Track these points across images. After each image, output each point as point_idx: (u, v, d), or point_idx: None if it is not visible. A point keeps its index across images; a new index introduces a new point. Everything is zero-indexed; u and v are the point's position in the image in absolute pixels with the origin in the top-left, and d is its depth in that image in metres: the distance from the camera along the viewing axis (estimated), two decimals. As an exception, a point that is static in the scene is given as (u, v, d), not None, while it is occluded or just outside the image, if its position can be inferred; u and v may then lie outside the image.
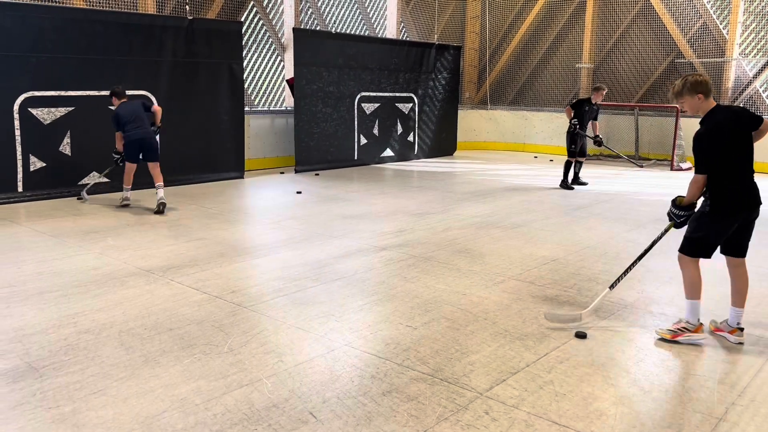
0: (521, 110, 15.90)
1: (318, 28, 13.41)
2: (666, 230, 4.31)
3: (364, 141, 12.68)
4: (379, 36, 14.67)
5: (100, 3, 9.82)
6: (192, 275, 5.19)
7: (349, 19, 14.49)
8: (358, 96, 12.37)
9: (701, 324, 4.03)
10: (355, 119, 12.41)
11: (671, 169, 12.81)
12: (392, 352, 3.77)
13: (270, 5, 12.84)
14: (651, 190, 10.23)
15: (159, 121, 7.98)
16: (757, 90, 13.28)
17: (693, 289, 4.05)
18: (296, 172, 11.35)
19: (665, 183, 11.17)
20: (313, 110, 11.51)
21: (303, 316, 4.34)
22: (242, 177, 10.61)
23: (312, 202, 8.70)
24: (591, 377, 3.49)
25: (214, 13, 11.46)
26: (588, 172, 11.65)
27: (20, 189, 8.23)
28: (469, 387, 3.35)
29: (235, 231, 6.95)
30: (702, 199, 4.02)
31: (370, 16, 14.87)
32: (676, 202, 4.12)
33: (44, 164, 8.40)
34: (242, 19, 12.04)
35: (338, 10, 14.25)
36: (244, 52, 11.14)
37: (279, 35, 12.92)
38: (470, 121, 15.97)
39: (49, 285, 4.88)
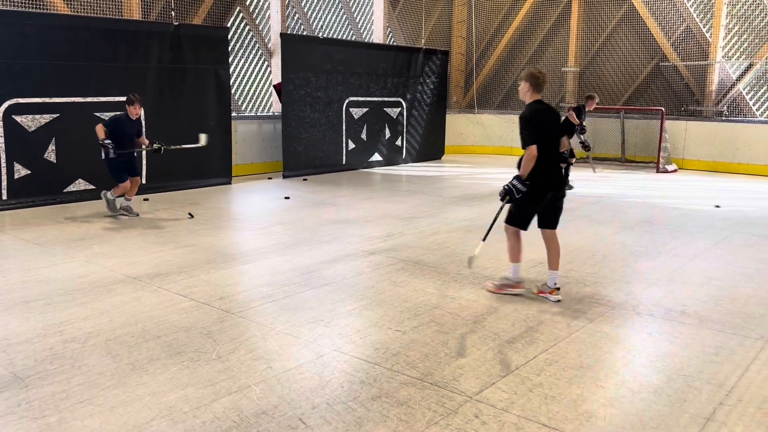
0: (508, 114, 15.95)
1: (305, 34, 13.40)
2: (502, 207, 4.96)
3: (352, 146, 12.68)
4: (366, 41, 14.69)
5: (84, 9, 9.76)
6: (179, 282, 5.16)
7: (335, 24, 14.50)
8: (346, 101, 12.37)
9: (521, 282, 4.94)
10: (343, 124, 12.40)
11: (657, 171, 12.91)
12: (381, 356, 3.76)
13: (256, 11, 12.82)
14: (637, 192, 10.30)
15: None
16: (741, 92, 13.43)
17: (513, 254, 4.93)
18: (284, 177, 11.33)
19: (651, 185, 11.25)
20: (301, 115, 11.49)
21: (292, 321, 4.32)
22: (230, 183, 10.57)
23: (300, 208, 8.68)
24: (580, 379, 3.50)
25: (200, 19, 11.43)
26: (574, 174, 11.70)
27: (4, 197, 8.14)
28: (458, 391, 3.35)
29: (222, 237, 6.92)
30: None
31: (357, 21, 14.89)
32: (521, 179, 4.70)
33: (29, 172, 8.32)
34: (229, 25, 12.01)
35: (325, 15, 14.26)
36: (231, 58, 11.11)
37: (266, 40, 12.90)
38: (458, 125, 16.02)
39: (34, 293, 4.83)
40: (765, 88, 13.37)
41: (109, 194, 7.71)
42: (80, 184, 8.76)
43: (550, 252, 4.91)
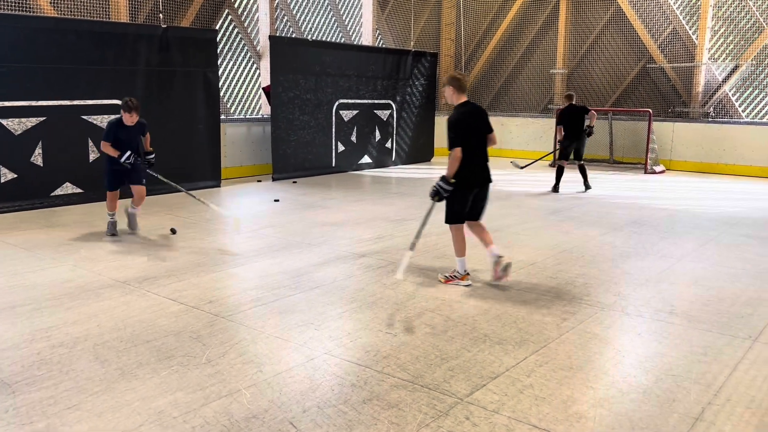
0: (497, 116, 15.97)
1: (294, 36, 13.39)
2: (432, 206, 5.17)
3: (341, 148, 12.67)
4: (355, 43, 14.69)
5: (71, 12, 9.69)
6: (168, 286, 5.13)
7: (324, 27, 14.49)
8: (336, 103, 12.36)
9: (467, 274, 5.24)
10: (333, 126, 12.39)
11: (645, 172, 13.00)
12: (372, 359, 3.76)
13: (245, 13, 12.79)
14: (625, 193, 10.36)
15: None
16: (727, 94, 13.56)
17: (459, 248, 5.23)
18: (273, 180, 11.30)
19: (639, 186, 11.33)
20: (290, 118, 11.47)
21: (282, 325, 4.30)
22: (219, 185, 10.53)
23: (290, 210, 8.66)
24: (570, 380, 3.51)
25: (188, 22, 11.38)
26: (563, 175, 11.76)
27: (-9, 201, 8.07)
28: (449, 393, 3.35)
29: (212, 240, 6.89)
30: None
31: (346, 23, 14.89)
32: (447, 180, 5.00)
33: (15, 175, 8.24)
34: (217, 27, 11.98)
35: (314, 17, 14.25)
36: (220, 60, 11.08)
37: (254, 43, 12.87)
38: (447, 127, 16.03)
39: (22, 298, 4.78)
40: (751, 89, 13.50)
41: (129, 209, 7.03)
42: (68, 188, 8.69)
43: (481, 235, 5.35)
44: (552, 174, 10.77)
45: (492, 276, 5.26)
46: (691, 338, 4.14)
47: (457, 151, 4.99)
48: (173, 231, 7.10)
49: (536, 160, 11.57)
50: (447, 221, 5.27)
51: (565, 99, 10.46)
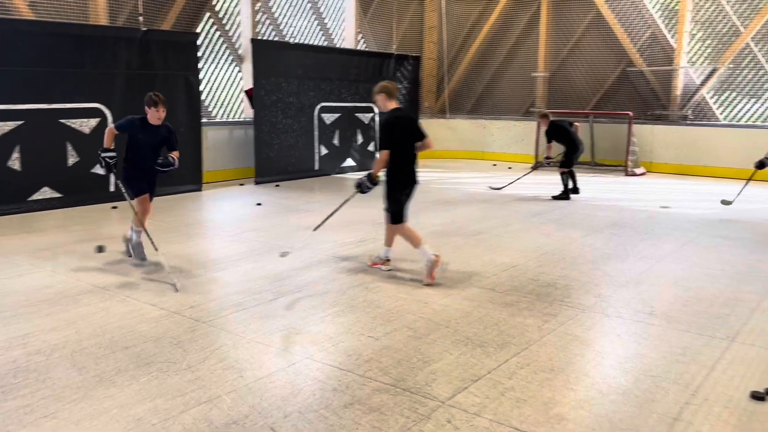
0: (480, 119, 16.09)
1: (276, 39, 13.35)
2: (353, 195, 5.65)
3: (324, 151, 12.65)
4: (337, 46, 14.68)
5: (50, 14, 9.58)
6: (148, 291, 5.08)
7: (306, 30, 14.47)
8: (318, 106, 12.34)
9: (437, 255, 5.42)
10: (316, 130, 12.37)
11: (625, 174, 13.12)
12: (354, 363, 3.75)
13: (226, 16, 12.73)
14: (606, 196, 10.45)
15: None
16: (704, 96, 13.74)
17: (414, 241, 5.48)
18: (256, 183, 11.25)
19: (620, 188, 11.44)
20: (272, 121, 11.43)
21: (263, 330, 4.28)
22: (200, 189, 10.46)
23: (272, 214, 8.62)
24: (551, 382, 3.53)
25: (168, 24, 11.30)
26: (544, 178, 11.86)
27: (-33, 206, 7.95)
28: (431, 396, 3.35)
29: (193, 245, 6.83)
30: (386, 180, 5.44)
31: (328, 26, 14.88)
32: (371, 177, 5.39)
33: (-8, 180, 8.13)
34: (198, 30, 11.90)
35: (296, 20, 14.22)
36: (201, 63, 11.01)
37: (236, 46, 12.81)
38: (430, 130, 15.88)
39: (-2, 305, 4.71)
40: (728, 92, 13.70)
41: (129, 232, 5.94)
42: (46, 193, 8.58)
43: (389, 231, 5.75)
44: (530, 176, 10.81)
45: (369, 262, 5.87)
46: (670, 339, 4.18)
47: (385, 153, 5.35)
48: (101, 249, 6.10)
49: (512, 182, 11.28)
50: (393, 222, 5.59)
51: (543, 118, 10.19)
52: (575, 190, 10.19)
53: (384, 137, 5.46)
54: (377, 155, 5.44)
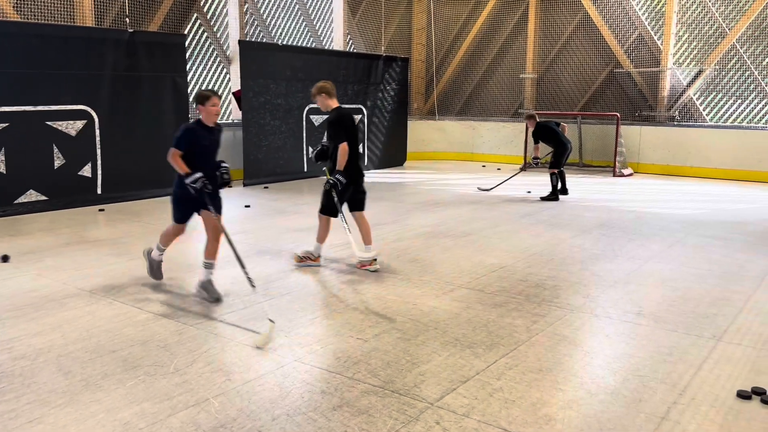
0: (468, 120, 16.12)
1: (264, 41, 13.31)
2: (327, 191, 5.67)
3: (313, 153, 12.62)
4: (326, 48, 14.67)
5: (35, 16, 9.50)
6: (136, 294, 5.04)
7: (295, 31, 14.44)
8: (307, 108, 12.31)
9: (319, 257, 5.89)
10: (304, 131, 12.35)
11: (613, 175, 13.20)
12: (343, 365, 3.73)
13: (214, 17, 12.68)
14: (595, 196, 10.51)
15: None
16: (691, 98, 13.85)
17: (322, 236, 5.83)
18: (245, 185, 11.20)
19: (608, 189, 11.50)
20: (261, 123, 11.40)
21: (251, 332, 4.26)
22: (189, 192, 10.39)
23: (261, 216, 8.59)
24: (539, 382, 3.54)
25: (155, 26, 11.24)
26: (533, 179, 11.90)
27: (-49, 209, 7.86)
28: (419, 398, 3.34)
29: (180, 247, 6.78)
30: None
31: (317, 28, 14.86)
32: (341, 172, 5.56)
33: (-23, 183, 8.04)
34: (186, 32, 11.85)
35: (284, 22, 14.19)
36: (188, 65, 10.96)
37: (224, 48, 12.76)
38: (419, 132, 16.11)
39: (-17, 309, 4.65)
40: (714, 93, 13.81)
41: (154, 251, 5.23)
42: (32, 195, 8.50)
43: (362, 229, 5.89)
44: (519, 177, 10.86)
45: (358, 264, 5.84)
46: (657, 339, 4.20)
47: (344, 146, 5.56)
48: (5, 259, 5.90)
49: (501, 183, 11.27)
50: (321, 212, 5.82)
51: (530, 119, 10.23)
52: (564, 191, 10.24)
53: (338, 132, 5.64)
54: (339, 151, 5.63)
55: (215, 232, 4.95)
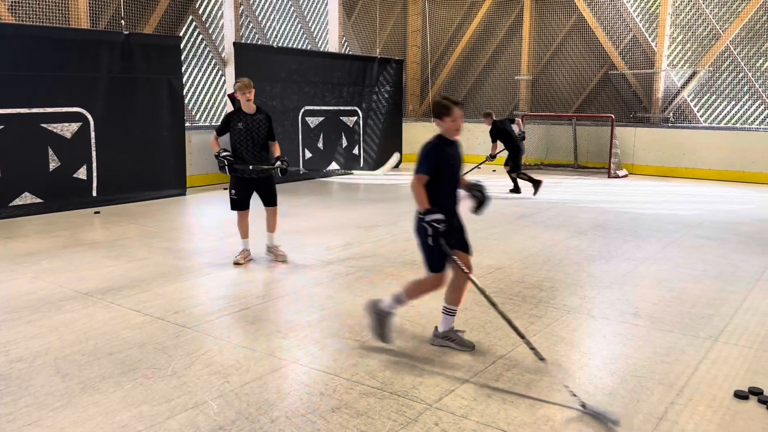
0: (464, 122, 16.12)
1: (259, 43, 13.31)
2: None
3: (309, 155, 12.63)
4: (321, 50, 14.68)
5: (30, 18, 9.47)
6: (133, 297, 5.03)
7: (290, 33, 14.44)
8: (302, 110, 12.32)
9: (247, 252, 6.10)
10: (299, 133, 12.35)
11: (608, 177, 13.24)
12: (341, 367, 3.74)
13: (209, 20, 12.67)
14: (590, 198, 10.54)
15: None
16: (685, 99, 13.91)
17: (241, 231, 6.13)
18: (240, 187, 11.18)
19: (603, 190, 11.53)
20: (256, 125, 11.38)
21: (249, 334, 4.26)
22: (184, 194, 10.38)
23: (257, 218, 8.57)
24: (537, 383, 3.55)
25: (151, 28, 11.23)
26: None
27: (-54, 212, 7.83)
28: (418, 399, 3.35)
29: (177, 250, 6.78)
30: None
31: (312, 29, 14.86)
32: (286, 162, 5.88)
33: (-28, 185, 8.01)
34: (181, 34, 11.84)
35: (279, 24, 14.19)
36: (184, 67, 10.95)
37: (219, 50, 12.75)
38: (415, 134, 16.09)
39: (-22, 312, 4.63)
40: (708, 95, 13.88)
41: (383, 303, 4.01)
42: (27, 198, 8.47)
43: (270, 220, 6.17)
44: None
45: (280, 259, 6.08)
46: (654, 339, 4.22)
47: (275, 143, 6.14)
48: None
49: (469, 171, 11.53)
50: (233, 208, 6.06)
51: (486, 117, 10.73)
52: (516, 190, 10.67)
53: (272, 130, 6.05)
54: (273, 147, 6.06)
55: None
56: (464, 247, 3.95)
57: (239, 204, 6.02)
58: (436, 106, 3.87)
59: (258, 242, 6.38)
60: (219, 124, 6.01)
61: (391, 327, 3.99)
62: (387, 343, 3.96)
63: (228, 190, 6.10)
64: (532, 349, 3.55)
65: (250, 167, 5.82)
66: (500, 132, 10.57)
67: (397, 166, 6.01)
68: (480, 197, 4.02)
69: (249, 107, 5.82)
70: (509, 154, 10.60)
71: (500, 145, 10.69)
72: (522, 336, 3.59)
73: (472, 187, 4.04)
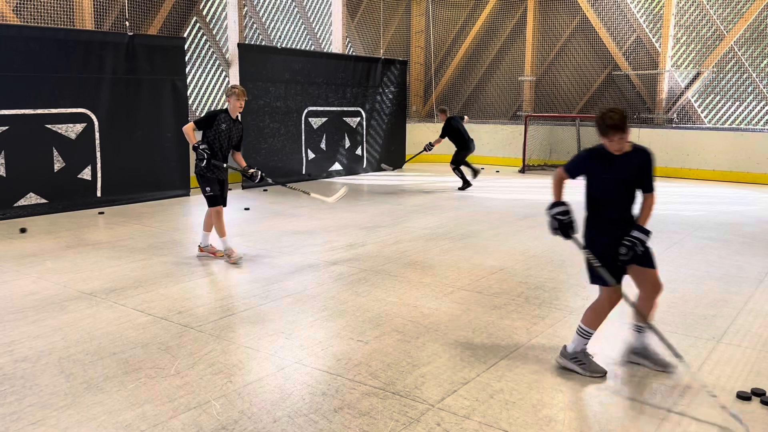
0: (467, 123, 16.11)
1: (263, 44, 13.34)
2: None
3: (312, 155, 12.65)
4: (325, 51, 14.70)
5: (35, 19, 9.52)
6: (136, 297, 5.05)
7: (294, 34, 14.47)
8: (306, 111, 12.34)
9: (208, 246, 6.33)
10: (303, 134, 12.37)
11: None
12: (343, 367, 3.75)
13: (213, 21, 12.71)
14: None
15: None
16: (689, 100, 13.88)
17: (207, 224, 6.27)
18: (243, 188, 11.22)
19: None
20: (260, 125, 11.42)
21: (252, 334, 4.27)
22: (188, 194, 10.41)
23: (260, 219, 8.60)
24: (539, 384, 3.55)
25: (155, 29, 11.26)
26: (532, 182, 11.92)
27: (-49, 212, 7.86)
28: (420, 399, 3.36)
29: (180, 250, 6.80)
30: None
31: (316, 30, 14.89)
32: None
33: (-23, 186, 8.04)
34: (185, 35, 11.87)
35: (283, 25, 14.22)
36: (188, 68, 10.97)
37: (223, 51, 12.78)
38: (418, 134, 16.11)
39: (-17, 312, 4.66)
40: (712, 96, 13.85)
41: (570, 347, 3.78)
42: (32, 198, 8.50)
43: (219, 224, 6.22)
44: (517, 180, 10.91)
45: (231, 259, 6.14)
46: (657, 340, 4.21)
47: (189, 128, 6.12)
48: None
49: (411, 158, 12.80)
50: (212, 204, 6.15)
51: (441, 113, 11.22)
52: (465, 184, 11.16)
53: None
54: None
55: (656, 287, 3.76)
56: (639, 261, 3.66)
57: (218, 199, 6.21)
58: (604, 119, 3.63)
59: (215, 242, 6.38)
60: (202, 117, 6.09)
61: (591, 358, 3.72)
62: (603, 374, 3.66)
63: (201, 189, 6.22)
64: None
65: (225, 165, 6.12)
66: (452, 130, 11.05)
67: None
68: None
69: (235, 113, 6.10)
70: (456, 151, 11.13)
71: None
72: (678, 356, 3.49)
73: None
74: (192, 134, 6.04)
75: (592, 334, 3.71)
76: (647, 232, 3.62)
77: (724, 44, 13.26)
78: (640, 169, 3.74)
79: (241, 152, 6.41)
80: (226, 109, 6.10)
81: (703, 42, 13.66)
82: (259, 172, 6.32)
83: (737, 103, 13.56)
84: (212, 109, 12.71)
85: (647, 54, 14.18)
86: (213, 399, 3.33)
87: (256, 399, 3.34)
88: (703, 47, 13.67)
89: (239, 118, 6.22)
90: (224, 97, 6.39)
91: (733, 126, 13.58)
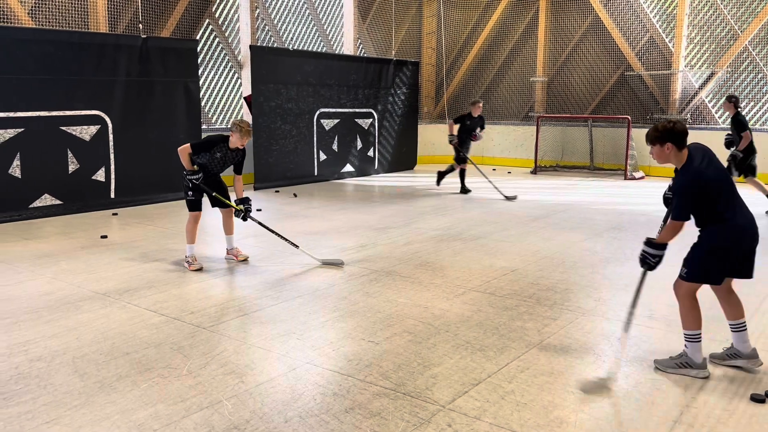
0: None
1: (275, 46, 13.40)
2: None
3: (323, 157, 12.68)
4: (336, 53, 14.74)
5: (50, 22, 9.62)
6: (149, 297, 5.09)
7: (306, 36, 14.52)
8: (317, 112, 12.38)
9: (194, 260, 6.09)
10: (315, 135, 12.41)
11: (624, 178, 13.15)
12: (354, 368, 3.75)
13: (226, 23, 12.78)
14: (606, 200, 10.47)
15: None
16: (703, 100, 13.77)
17: (194, 235, 6.11)
18: (255, 189, 11.27)
19: (619, 192, 11.45)
20: (272, 127, 11.47)
21: (264, 335, 4.29)
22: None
23: (272, 219, 8.63)
24: (551, 385, 3.54)
25: (168, 32, 11.35)
26: (544, 182, 11.88)
27: (-32, 213, 7.97)
28: (431, 400, 3.36)
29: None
30: None
31: (327, 32, 14.93)
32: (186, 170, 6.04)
33: (-7, 187, 8.15)
34: (198, 37, 11.95)
35: (295, 27, 14.27)
36: (201, 70, 11.05)
37: (236, 53, 12.85)
38: (429, 136, 16.12)
39: (-1, 312, 4.72)
40: (726, 96, 13.72)
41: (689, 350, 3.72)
42: (46, 200, 8.60)
43: (192, 230, 6.15)
44: (529, 181, 10.87)
45: (241, 259, 6.24)
46: (669, 342, 4.19)
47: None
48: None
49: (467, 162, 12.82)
50: (193, 209, 6.10)
51: (474, 104, 10.92)
52: (439, 181, 11.30)
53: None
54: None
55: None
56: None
57: (198, 204, 6.17)
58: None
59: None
60: (201, 142, 6.10)
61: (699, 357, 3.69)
62: (706, 372, 3.67)
63: (184, 192, 6.19)
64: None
65: (213, 194, 6.18)
66: (467, 128, 10.80)
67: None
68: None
69: (234, 146, 6.03)
70: (456, 151, 10.95)
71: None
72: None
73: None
74: (187, 159, 5.99)
75: (737, 325, 3.84)
76: (653, 245, 4.25)
77: (739, 44, 13.14)
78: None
79: (243, 172, 6.44)
80: (227, 137, 5.97)
81: (717, 42, 13.54)
82: (248, 211, 6.15)
83: (752, 103, 13.42)
84: (225, 112, 12.81)
85: (660, 54, 14.08)
86: (225, 399, 3.35)
87: (268, 399, 3.36)
88: (717, 47, 13.55)
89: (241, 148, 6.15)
90: (237, 99, 6.41)
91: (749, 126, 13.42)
